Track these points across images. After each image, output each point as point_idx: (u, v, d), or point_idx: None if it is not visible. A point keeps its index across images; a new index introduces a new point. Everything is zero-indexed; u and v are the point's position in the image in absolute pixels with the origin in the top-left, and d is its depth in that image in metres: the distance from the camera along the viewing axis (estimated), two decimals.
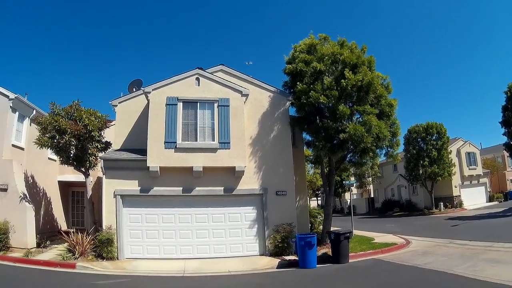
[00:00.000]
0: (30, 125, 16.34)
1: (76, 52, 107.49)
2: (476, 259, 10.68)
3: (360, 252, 13.12)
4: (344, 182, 35.03)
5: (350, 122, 13.52)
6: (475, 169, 38.68)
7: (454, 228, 19.80)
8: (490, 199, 39.31)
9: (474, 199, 36.84)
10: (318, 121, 14.17)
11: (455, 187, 36.52)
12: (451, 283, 8.40)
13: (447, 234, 16.69)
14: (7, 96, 14.93)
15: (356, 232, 17.92)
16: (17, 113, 15.52)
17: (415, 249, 13.57)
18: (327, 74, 14.01)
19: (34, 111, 16.50)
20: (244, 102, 14.10)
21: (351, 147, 13.89)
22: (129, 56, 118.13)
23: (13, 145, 15.22)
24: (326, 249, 13.29)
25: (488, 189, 40.36)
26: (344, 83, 13.06)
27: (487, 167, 42.61)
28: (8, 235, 13.29)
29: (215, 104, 13.72)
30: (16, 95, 15.03)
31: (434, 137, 34.75)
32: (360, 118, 13.85)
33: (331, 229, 14.05)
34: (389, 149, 15.23)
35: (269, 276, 10.79)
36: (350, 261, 11.92)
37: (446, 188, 36.04)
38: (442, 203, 34.57)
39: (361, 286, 8.94)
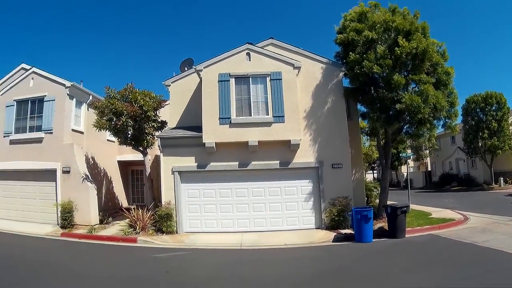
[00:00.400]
0: (88, 110, 17.10)
1: (123, 34, 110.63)
2: None
3: (417, 227, 12.76)
4: (400, 154, 33.64)
5: (405, 92, 12.92)
6: None
7: None
8: None
9: None
10: (372, 91, 13.70)
11: None
12: (510, 263, 8.01)
13: (507, 211, 15.75)
14: (63, 85, 15.72)
15: (412, 206, 17.41)
16: (74, 99, 16.32)
17: (474, 226, 12.97)
18: (379, 42, 13.36)
19: (90, 96, 17.24)
20: (297, 74, 13.88)
21: (408, 118, 13.34)
22: (178, 34, 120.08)
23: (73, 130, 16.07)
24: (382, 223, 13.08)
25: None
26: (398, 51, 12.47)
27: None
28: (73, 213, 14.25)
29: (267, 78, 13.63)
30: (72, 83, 15.76)
31: (493, 108, 32.40)
32: (416, 88, 13.23)
33: (388, 203, 13.74)
34: (447, 120, 14.39)
35: (325, 249, 10.80)
36: (406, 236, 11.67)
37: (506, 162, 33.70)
38: (502, 178, 32.47)
39: (417, 262, 8.69)
